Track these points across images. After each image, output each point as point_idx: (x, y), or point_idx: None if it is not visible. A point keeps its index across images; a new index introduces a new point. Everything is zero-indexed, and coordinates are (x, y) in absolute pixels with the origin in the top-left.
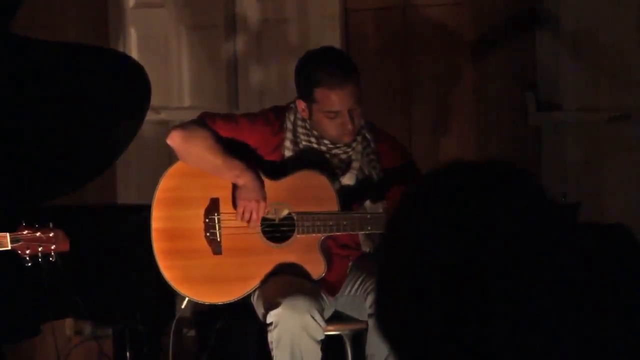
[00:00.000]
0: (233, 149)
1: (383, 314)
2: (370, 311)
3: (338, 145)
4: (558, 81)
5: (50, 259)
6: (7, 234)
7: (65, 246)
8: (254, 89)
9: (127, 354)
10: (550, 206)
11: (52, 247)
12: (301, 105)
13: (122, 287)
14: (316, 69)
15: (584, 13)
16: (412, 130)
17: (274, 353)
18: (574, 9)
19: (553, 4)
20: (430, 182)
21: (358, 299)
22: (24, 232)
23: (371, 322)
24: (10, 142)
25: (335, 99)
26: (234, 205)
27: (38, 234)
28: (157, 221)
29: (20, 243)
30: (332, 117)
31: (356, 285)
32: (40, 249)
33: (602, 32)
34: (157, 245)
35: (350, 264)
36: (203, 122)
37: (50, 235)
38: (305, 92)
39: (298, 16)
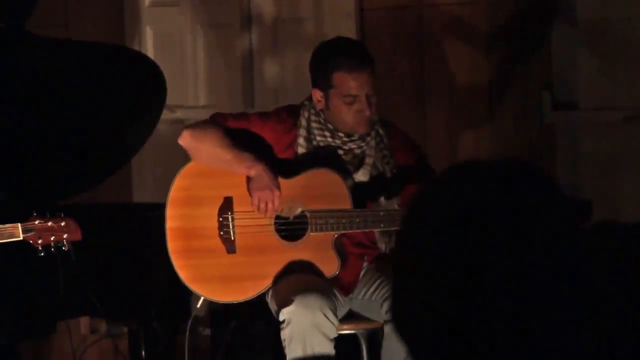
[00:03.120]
0: (246, 148)
1: (399, 314)
2: (386, 317)
3: (353, 138)
4: (574, 80)
5: (64, 248)
6: (19, 224)
7: (78, 235)
8: (269, 87)
9: (143, 352)
10: (565, 205)
11: (65, 236)
12: (317, 95)
13: (138, 286)
14: (334, 54)
15: (601, 10)
16: (427, 128)
17: (286, 350)
18: (590, 6)
19: (570, 2)
20: (445, 181)
21: (374, 304)
22: (36, 222)
23: (387, 329)
24: (25, 140)
25: (353, 83)
26: (248, 202)
27: (50, 223)
28: (172, 220)
29: (32, 233)
30: (349, 103)
31: (372, 289)
32: (52, 238)
33: (619, 30)
34: (172, 245)
35: (365, 264)
36: (214, 121)
37: (62, 224)
38: (323, 78)
39: (313, 14)
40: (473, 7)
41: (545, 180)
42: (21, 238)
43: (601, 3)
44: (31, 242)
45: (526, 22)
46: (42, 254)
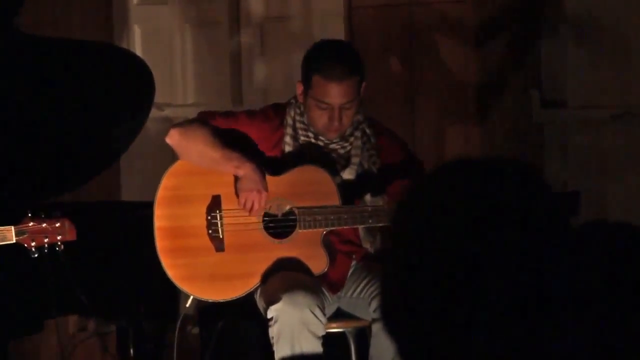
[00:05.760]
0: (234, 146)
1: (388, 312)
2: (374, 316)
3: (334, 140)
4: (563, 78)
5: (57, 249)
6: (12, 227)
7: (72, 235)
8: (257, 86)
9: (131, 351)
10: (554, 203)
11: (59, 238)
12: (299, 88)
13: (126, 284)
14: (320, 57)
15: (590, 9)
16: (416, 126)
17: (274, 348)
18: (580, 4)
19: (558, 0)
20: (436, 179)
21: (362, 302)
22: (30, 224)
23: (375, 328)
24: (14, 138)
25: (328, 91)
26: (237, 201)
27: (44, 224)
28: (160, 220)
29: (25, 236)
30: (322, 108)
31: (360, 288)
32: (46, 240)
33: (608, 28)
34: (160, 244)
35: (353, 262)
36: (202, 120)
37: (57, 225)
38: (305, 75)
39: (302, 13)
40: (462, 5)
41: (534, 178)
42: (14, 241)
43: (590, 0)
44: (24, 245)
45: (515, 21)
46: (36, 255)
